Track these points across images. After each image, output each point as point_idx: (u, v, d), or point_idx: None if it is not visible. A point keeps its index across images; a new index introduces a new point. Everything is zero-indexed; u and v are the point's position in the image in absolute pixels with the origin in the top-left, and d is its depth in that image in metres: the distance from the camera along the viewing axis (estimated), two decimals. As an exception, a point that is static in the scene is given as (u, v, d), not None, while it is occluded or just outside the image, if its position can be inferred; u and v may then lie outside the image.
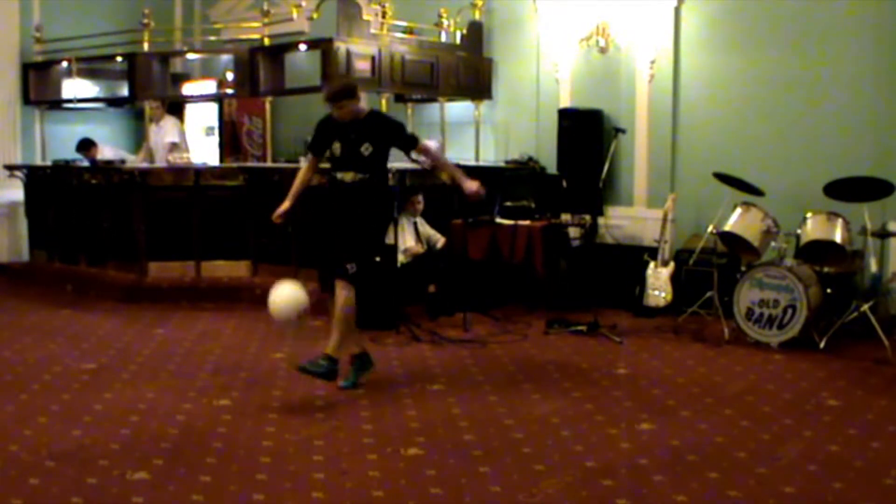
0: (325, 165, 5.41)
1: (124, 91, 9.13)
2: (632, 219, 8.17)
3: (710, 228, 6.76)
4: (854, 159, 6.90)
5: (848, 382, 5.44)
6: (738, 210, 6.59)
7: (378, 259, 5.40)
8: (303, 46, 8.19)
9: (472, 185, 5.33)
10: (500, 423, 4.63)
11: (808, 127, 7.31)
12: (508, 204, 7.85)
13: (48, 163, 9.56)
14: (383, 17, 8.32)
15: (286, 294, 5.12)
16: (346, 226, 5.20)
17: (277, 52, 8.39)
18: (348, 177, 5.17)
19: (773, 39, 7.47)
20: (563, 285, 7.75)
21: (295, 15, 8.60)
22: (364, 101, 9.37)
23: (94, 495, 3.69)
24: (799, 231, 6.40)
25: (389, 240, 6.11)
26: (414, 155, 5.65)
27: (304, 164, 8.03)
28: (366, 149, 5.13)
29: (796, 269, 6.26)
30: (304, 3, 8.66)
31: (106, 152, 9.55)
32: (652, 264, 7.13)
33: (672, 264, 7.13)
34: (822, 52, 7.21)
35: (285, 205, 5.38)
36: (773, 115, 7.49)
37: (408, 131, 5.44)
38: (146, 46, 8.71)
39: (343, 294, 5.10)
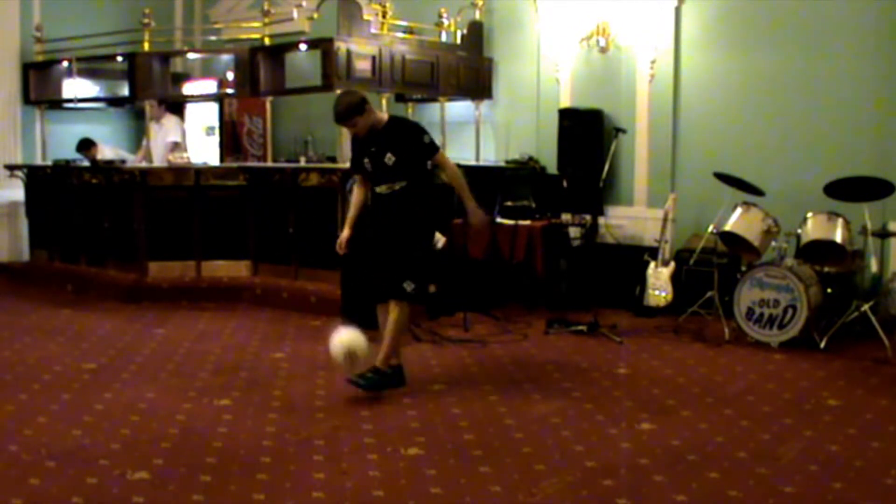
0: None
1: (125, 91, 9.11)
2: (632, 219, 8.17)
3: (710, 228, 6.76)
4: (854, 159, 6.90)
5: (848, 382, 5.44)
6: (739, 210, 6.59)
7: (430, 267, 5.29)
8: (303, 46, 8.18)
9: (478, 218, 5.27)
10: (500, 423, 4.63)
11: (808, 127, 7.30)
12: (509, 204, 7.85)
13: (48, 162, 9.56)
14: (384, 16, 8.31)
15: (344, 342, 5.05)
16: (391, 241, 5.09)
17: (278, 51, 8.39)
18: (384, 190, 5.09)
19: (773, 39, 7.46)
20: (563, 285, 7.75)
21: (295, 14, 8.60)
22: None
23: (94, 495, 3.69)
24: (799, 231, 6.40)
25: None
26: (430, 164, 5.28)
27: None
28: (389, 159, 5.01)
29: (797, 269, 6.26)
30: (304, 3, 8.66)
31: (106, 152, 9.57)
32: (652, 264, 7.12)
33: (672, 264, 7.13)
34: (822, 52, 7.21)
35: (346, 233, 5.27)
36: (774, 114, 7.48)
37: (426, 139, 5.14)
38: (146, 46, 8.69)
39: (397, 309, 5.09)
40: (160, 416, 4.74)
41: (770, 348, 6.22)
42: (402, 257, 5.08)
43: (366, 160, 5.12)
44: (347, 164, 7.90)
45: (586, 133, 8.09)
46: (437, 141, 8.74)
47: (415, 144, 5.09)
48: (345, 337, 5.02)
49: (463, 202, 5.25)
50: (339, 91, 7.77)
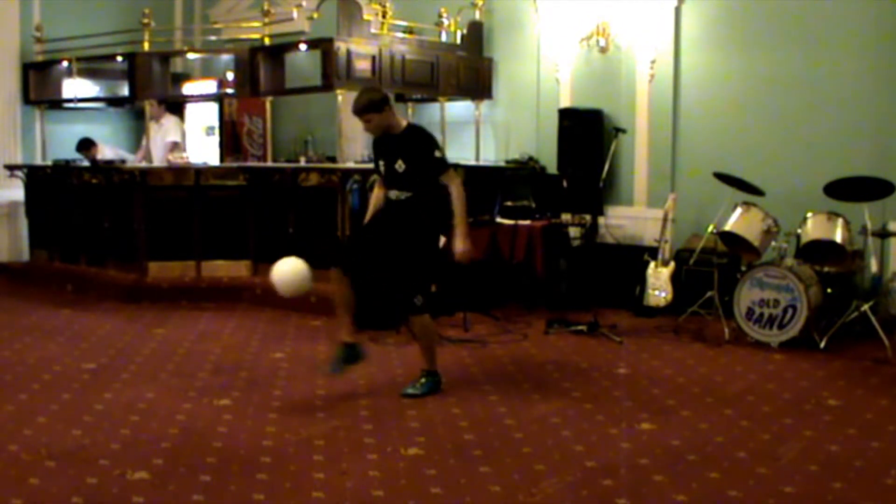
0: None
1: (124, 91, 9.11)
2: (632, 219, 8.17)
3: (710, 228, 6.76)
4: (854, 159, 6.90)
5: (848, 382, 5.44)
6: (739, 210, 6.59)
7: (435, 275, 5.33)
8: (303, 46, 8.18)
9: (462, 246, 5.08)
10: (500, 423, 4.63)
11: (808, 126, 7.30)
12: (509, 204, 7.86)
13: (48, 162, 9.56)
14: (383, 16, 8.31)
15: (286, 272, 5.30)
16: (396, 253, 5.04)
17: (278, 51, 8.39)
18: (393, 195, 5.09)
19: (772, 39, 7.47)
20: (563, 285, 7.75)
21: (295, 14, 8.60)
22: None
23: (94, 495, 3.69)
24: (799, 231, 6.40)
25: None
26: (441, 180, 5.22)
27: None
28: (399, 165, 5.02)
29: (796, 269, 6.26)
30: (304, 3, 8.66)
31: (106, 152, 9.57)
32: (652, 264, 7.13)
33: (672, 264, 7.14)
34: (823, 52, 7.21)
35: None
36: (774, 114, 7.49)
37: (437, 154, 5.11)
38: (146, 46, 8.68)
39: (416, 323, 5.13)
40: (160, 416, 4.74)
41: (770, 348, 6.22)
42: (410, 273, 5.06)
43: (381, 161, 5.14)
44: (347, 164, 7.97)
45: (586, 133, 8.08)
46: (438, 141, 8.82)
47: (425, 157, 5.07)
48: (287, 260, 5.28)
49: (455, 225, 5.12)
50: (338, 91, 7.82)
